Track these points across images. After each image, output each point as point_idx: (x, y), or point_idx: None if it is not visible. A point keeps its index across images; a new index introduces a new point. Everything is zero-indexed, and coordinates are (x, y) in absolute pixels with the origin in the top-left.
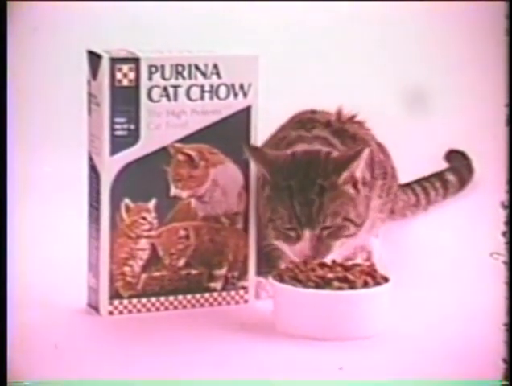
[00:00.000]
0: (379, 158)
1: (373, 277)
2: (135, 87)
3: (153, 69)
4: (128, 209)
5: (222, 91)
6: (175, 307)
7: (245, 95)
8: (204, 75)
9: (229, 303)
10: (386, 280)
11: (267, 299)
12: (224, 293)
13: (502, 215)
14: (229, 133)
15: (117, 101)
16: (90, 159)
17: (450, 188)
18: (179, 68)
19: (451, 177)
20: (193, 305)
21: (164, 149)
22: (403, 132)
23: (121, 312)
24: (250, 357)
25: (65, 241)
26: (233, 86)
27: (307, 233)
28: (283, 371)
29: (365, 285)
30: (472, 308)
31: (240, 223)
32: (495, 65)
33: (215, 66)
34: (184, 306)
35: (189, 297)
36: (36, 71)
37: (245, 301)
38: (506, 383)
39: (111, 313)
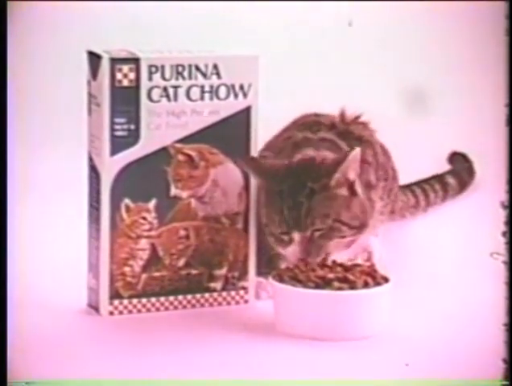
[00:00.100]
0: (382, 159)
1: (373, 278)
2: (135, 87)
3: (153, 69)
4: (128, 209)
5: (222, 91)
6: (175, 307)
7: (245, 95)
8: (204, 75)
9: (229, 303)
10: (386, 280)
11: (267, 299)
12: (224, 294)
13: (502, 215)
14: (229, 133)
15: (117, 101)
16: (90, 159)
17: (450, 191)
18: (180, 69)
19: (451, 180)
20: (193, 306)
21: (164, 149)
22: (403, 132)
23: (121, 312)
24: (250, 357)
25: (65, 241)
26: (233, 86)
27: (296, 235)
28: (283, 371)
29: (366, 285)
30: (472, 308)
31: (240, 223)
32: (495, 65)
33: (215, 66)
34: (184, 306)
35: (189, 297)
36: (36, 71)
37: (246, 302)
38: (506, 383)
39: (111, 313)
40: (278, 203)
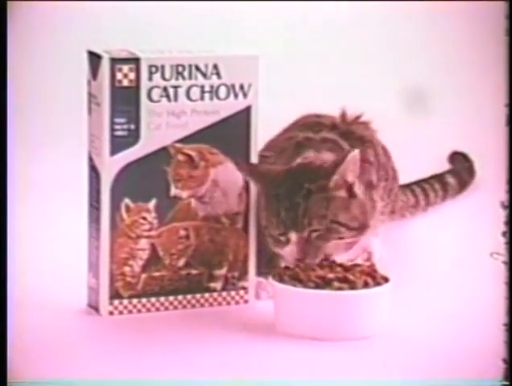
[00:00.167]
0: (383, 159)
1: (373, 278)
2: (135, 87)
3: (153, 69)
4: (128, 209)
5: (222, 91)
6: (175, 307)
7: (245, 95)
8: (204, 75)
9: (229, 303)
10: (386, 280)
11: (267, 299)
12: (224, 294)
13: (502, 215)
14: (229, 133)
15: (117, 101)
16: (90, 159)
17: (449, 191)
18: (180, 69)
19: (451, 179)
20: (193, 306)
21: (164, 149)
22: (403, 132)
23: (121, 312)
24: (250, 357)
25: (65, 241)
26: (233, 86)
27: (293, 236)
28: (283, 371)
29: (366, 285)
30: (472, 308)
31: (240, 223)
32: (495, 65)
33: (215, 66)
34: (184, 306)
35: (189, 297)
36: (36, 71)
37: (246, 302)
38: (506, 383)
39: (111, 313)
40: (275, 205)
